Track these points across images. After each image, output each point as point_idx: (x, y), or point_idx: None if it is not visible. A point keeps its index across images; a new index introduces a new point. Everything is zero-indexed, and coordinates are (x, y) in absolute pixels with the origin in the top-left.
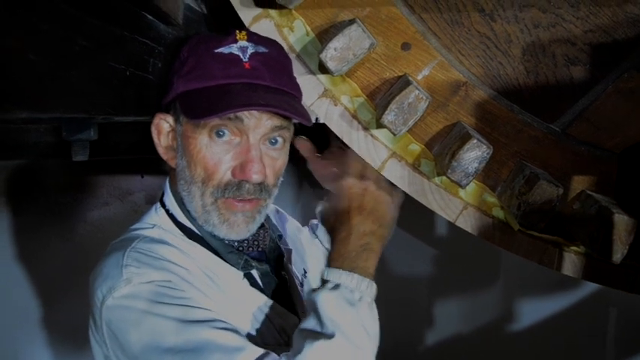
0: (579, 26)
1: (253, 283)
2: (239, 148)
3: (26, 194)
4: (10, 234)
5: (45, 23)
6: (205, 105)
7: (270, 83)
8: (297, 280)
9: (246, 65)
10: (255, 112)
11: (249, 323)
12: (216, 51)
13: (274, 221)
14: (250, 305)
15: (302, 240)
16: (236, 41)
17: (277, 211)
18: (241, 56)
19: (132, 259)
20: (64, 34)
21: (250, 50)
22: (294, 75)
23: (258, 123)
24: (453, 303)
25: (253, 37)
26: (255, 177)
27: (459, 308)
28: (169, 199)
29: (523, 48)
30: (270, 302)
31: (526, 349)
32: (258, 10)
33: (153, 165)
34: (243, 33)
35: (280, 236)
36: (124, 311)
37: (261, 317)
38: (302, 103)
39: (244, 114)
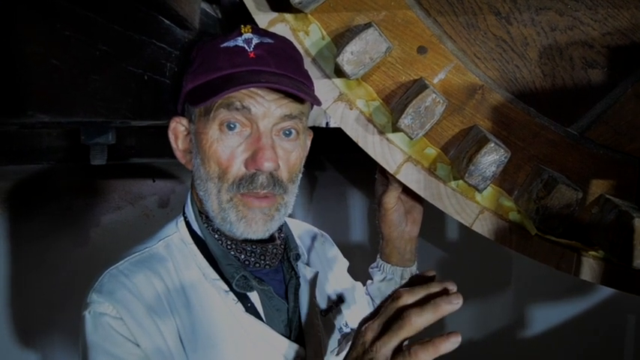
0: (597, 29)
1: (250, 307)
2: (250, 139)
3: (38, 198)
4: (23, 238)
5: (67, 29)
6: (209, 91)
7: (275, 69)
8: (317, 307)
9: (251, 55)
10: (263, 101)
11: (234, 353)
12: (221, 46)
13: (298, 240)
14: (241, 333)
15: (340, 272)
16: (241, 34)
17: (322, 235)
18: (246, 47)
19: (103, 282)
20: (85, 40)
21: (255, 41)
22: (305, 69)
23: (267, 112)
24: (465, 308)
25: (259, 31)
26: (267, 165)
27: (470, 314)
28: (188, 208)
29: (540, 51)
30: (267, 330)
31: (539, 356)
32: (274, 14)
33: (164, 169)
34: (249, 27)
35: (298, 255)
36: (81, 333)
37: (251, 347)
38: (313, 89)
39: (252, 103)
